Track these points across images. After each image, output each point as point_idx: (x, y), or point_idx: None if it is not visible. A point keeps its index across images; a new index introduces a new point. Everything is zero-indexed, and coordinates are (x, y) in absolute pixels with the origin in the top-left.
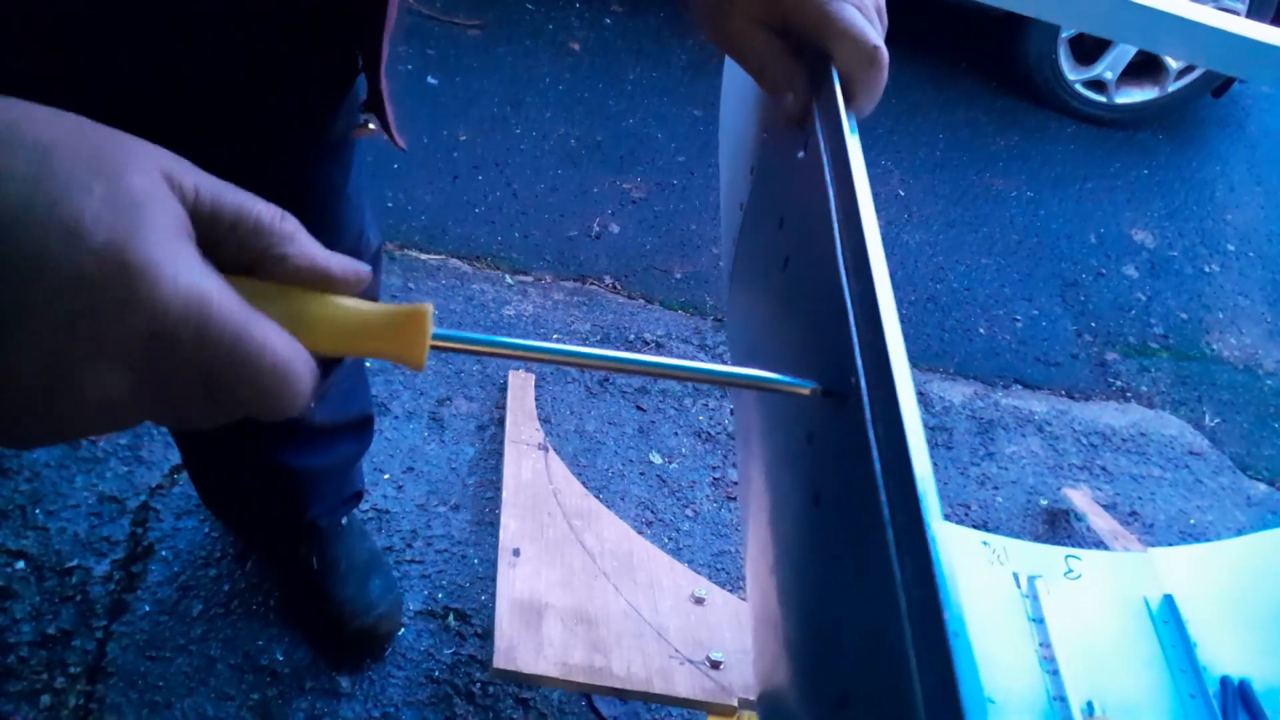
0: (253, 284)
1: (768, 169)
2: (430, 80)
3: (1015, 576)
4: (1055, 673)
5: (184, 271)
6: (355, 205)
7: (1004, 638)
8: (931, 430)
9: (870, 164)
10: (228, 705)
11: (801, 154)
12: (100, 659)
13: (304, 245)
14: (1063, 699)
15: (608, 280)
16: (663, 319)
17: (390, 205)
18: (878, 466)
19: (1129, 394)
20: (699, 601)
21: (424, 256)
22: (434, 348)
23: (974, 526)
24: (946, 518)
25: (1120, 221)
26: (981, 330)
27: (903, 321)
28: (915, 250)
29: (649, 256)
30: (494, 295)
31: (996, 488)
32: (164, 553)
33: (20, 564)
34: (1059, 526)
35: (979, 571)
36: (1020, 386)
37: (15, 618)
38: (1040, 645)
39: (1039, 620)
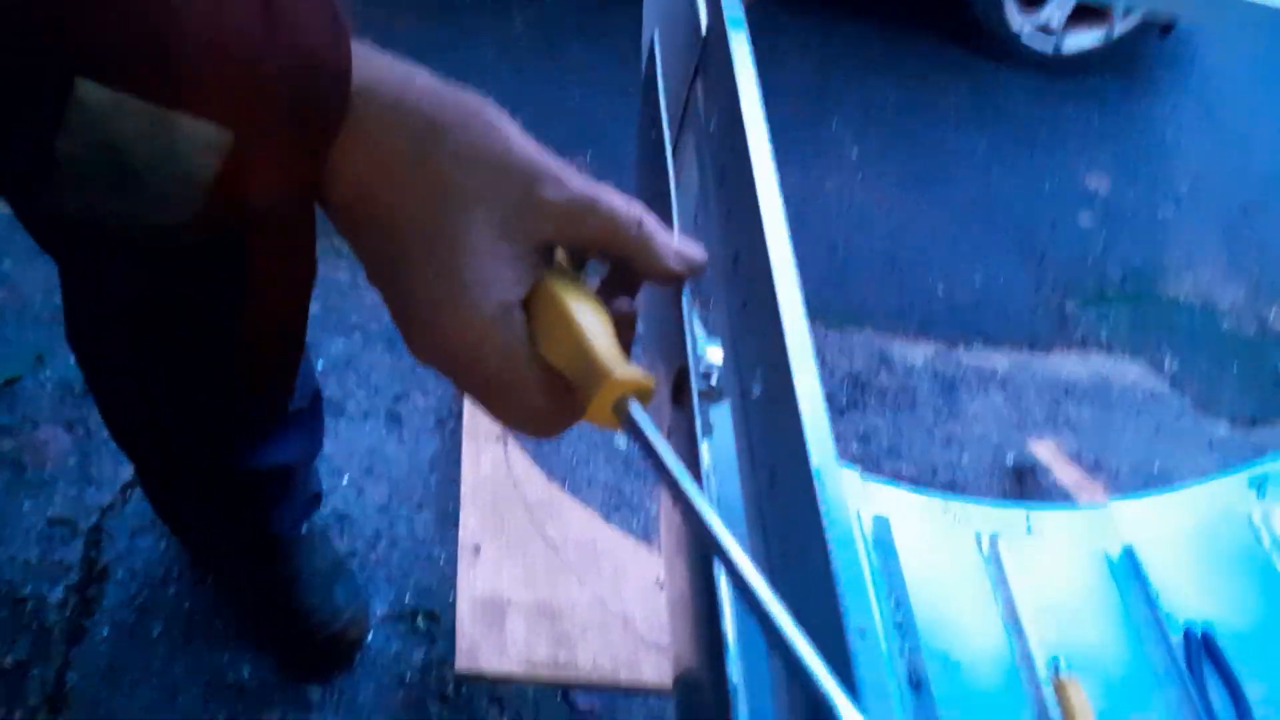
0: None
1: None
2: None
3: (977, 538)
4: (1020, 633)
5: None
6: None
7: (967, 601)
8: (895, 393)
9: (821, 125)
10: None
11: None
12: (60, 688)
13: (652, 254)
14: (1028, 659)
15: None
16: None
17: None
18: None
19: (1089, 343)
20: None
21: None
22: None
23: (942, 488)
24: (914, 479)
25: (1074, 170)
26: (940, 289)
27: (860, 284)
28: (870, 212)
29: None
30: None
31: (962, 447)
32: (120, 574)
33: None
34: (1026, 482)
35: (940, 536)
36: (981, 343)
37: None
38: (1003, 606)
39: (1002, 582)
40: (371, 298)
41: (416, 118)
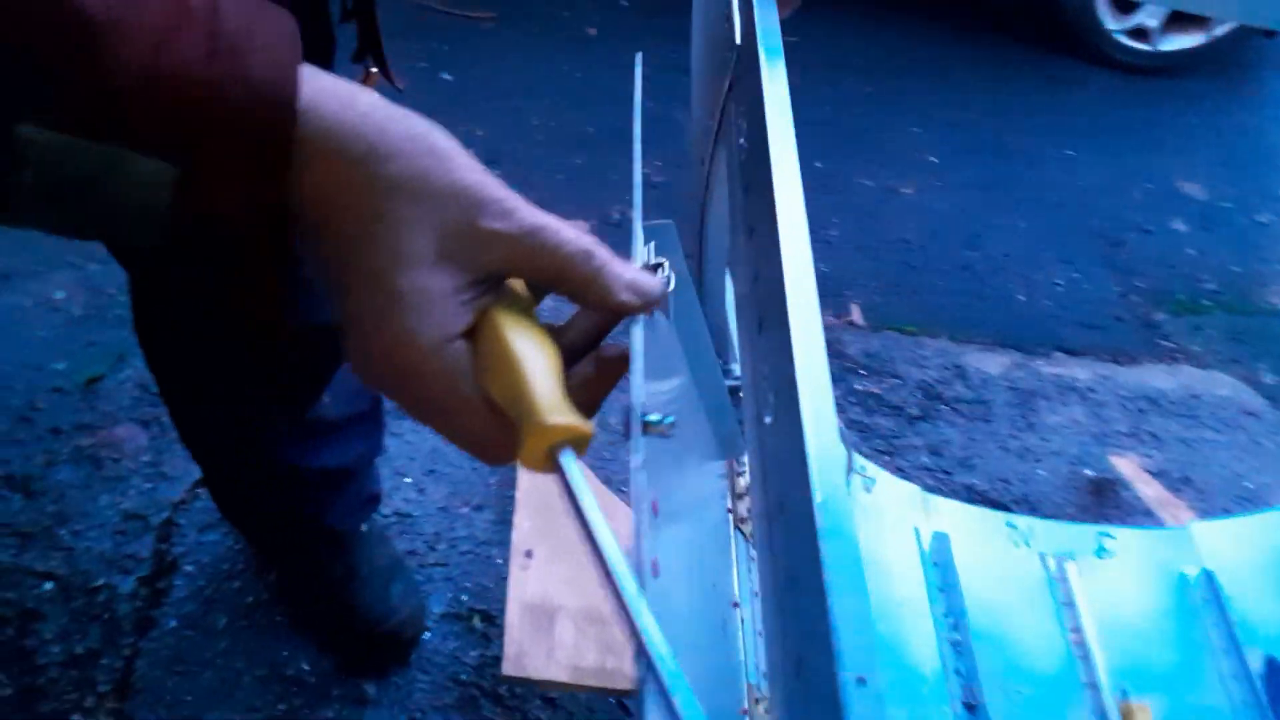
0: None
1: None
2: (444, 76)
3: (1043, 558)
4: (1086, 658)
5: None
6: None
7: (1031, 623)
8: (968, 404)
9: (897, 130)
10: (254, 717)
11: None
12: (128, 676)
13: (601, 286)
14: (1094, 685)
15: None
16: None
17: None
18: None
19: (1179, 355)
20: None
21: None
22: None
23: (1013, 501)
24: (985, 493)
25: (1168, 174)
26: (1020, 297)
27: (936, 292)
28: (948, 217)
29: None
30: None
31: (1038, 460)
32: (188, 567)
33: (48, 585)
34: (1106, 497)
35: (1004, 555)
36: (1062, 353)
37: (44, 639)
38: (1070, 630)
39: (1069, 603)
40: None
41: (356, 143)
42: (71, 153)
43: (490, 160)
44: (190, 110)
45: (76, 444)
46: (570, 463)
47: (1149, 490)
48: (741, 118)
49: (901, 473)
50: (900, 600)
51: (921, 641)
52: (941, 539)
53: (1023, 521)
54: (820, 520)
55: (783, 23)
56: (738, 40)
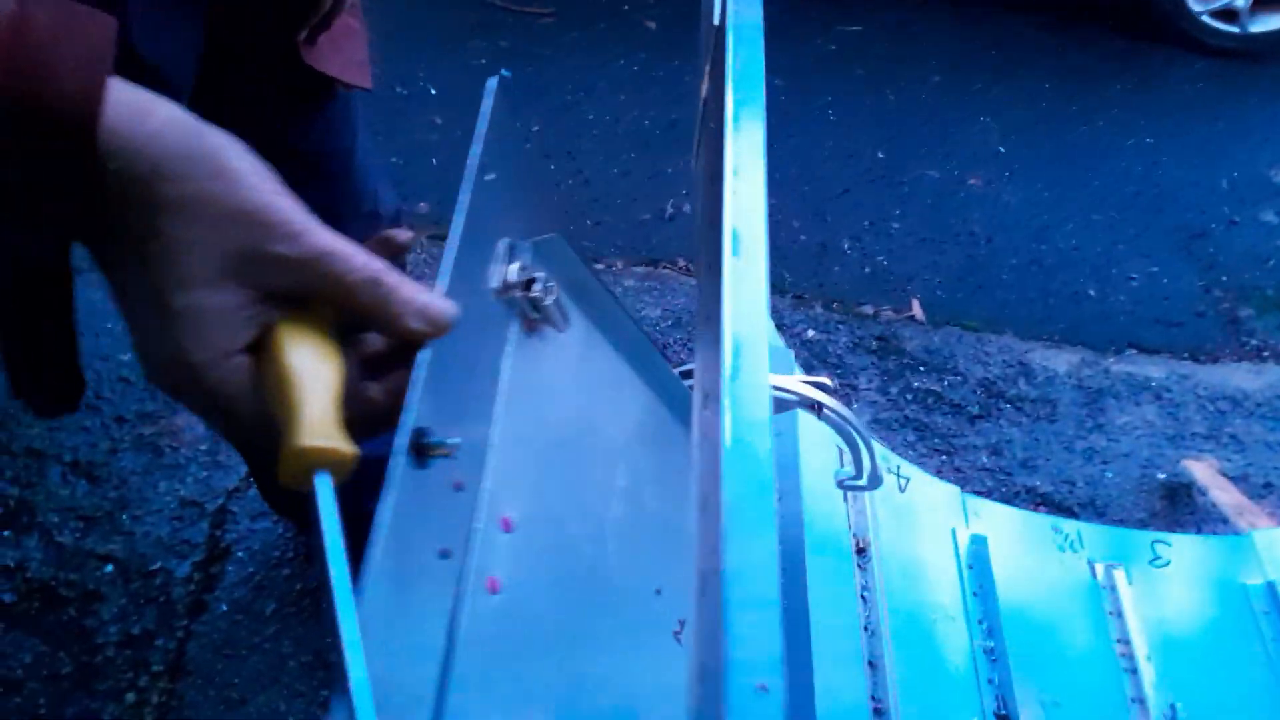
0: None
1: None
2: (504, 73)
3: (1091, 565)
4: (1134, 671)
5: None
6: (366, 169)
7: (1075, 633)
8: (1032, 402)
9: (964, 120)
10: (298, 702)
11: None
12: (180, 658)
13: (389, 312)
14: (1141, 700)
15: (680, 263)
16: None
17: None
18: None
19: (1266, 353)
20: None
21: None
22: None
23: (1078, 505)
24: (1048, 496)
25: (1256, 163)
26: (1091, 292)
27: (1002, 286)
28: (1016, 210)
29: None
30: None
31: (1106, 462)
32: (240, 554)
33: (109, 568)
34: (1179, 502)
35: (1048, 560)
36: (1135, 351)
37: (103, 619)
38: (1117, 641)
39: (1117, 613)
40: None
41: (140, 162)
42: None
43: (544, 155)
44: None
45: (139, 432)
46: (323, 485)
47: (1226, 496)
48: (713, 101)
49: (960, 474)
50: (932, 605)
51: (953, 649)
52: (979, 541)
53: (1070, 526)
54: (727, 521)
55: (848, 12)
56: (715, 20)
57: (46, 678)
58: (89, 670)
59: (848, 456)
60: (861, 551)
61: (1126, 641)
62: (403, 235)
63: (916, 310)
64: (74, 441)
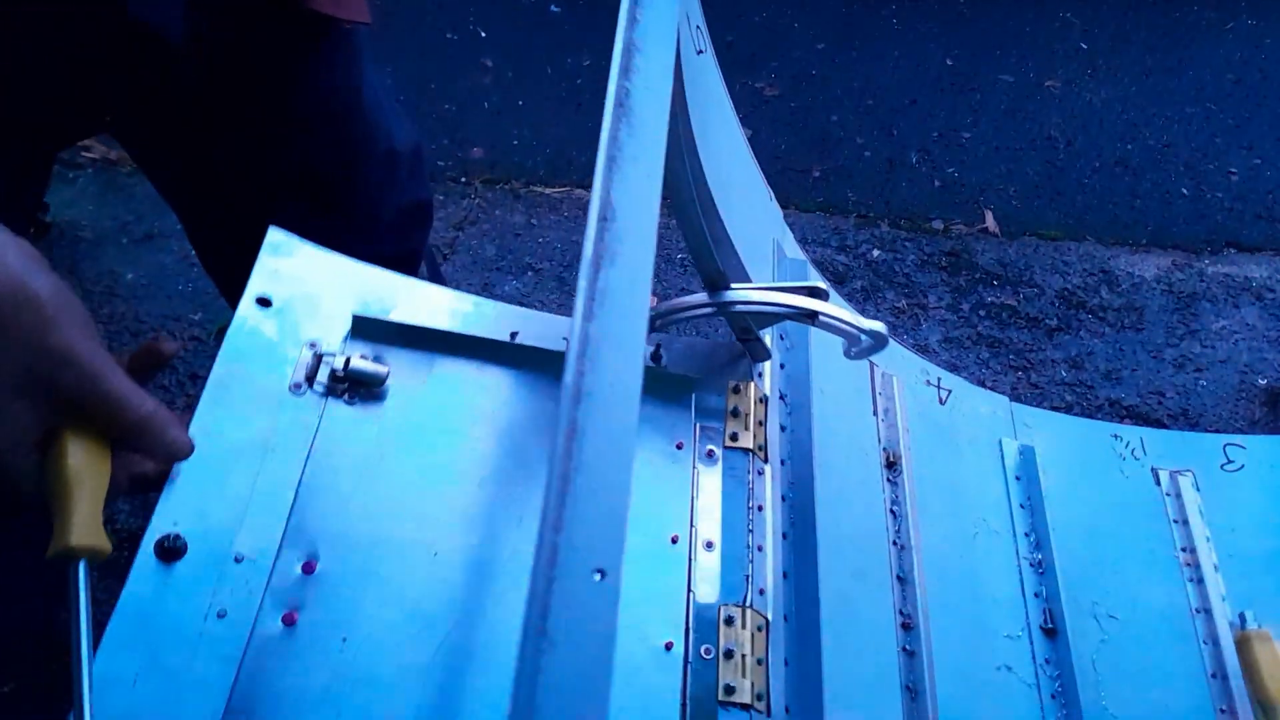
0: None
1: None
2: (553, 9)
3: (1154, 473)
4: (1199, 580)
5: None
6: (378, 105)
7: (1134, 543)
8: (1116, 311)
9: (1045, 17)
10: None
11: None
12: None
13: (145, 445)
14: (1206, 611)
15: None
16: (799, 222)
17: (515, 142)
18: None
19: None
20: None
21: (548, 191)
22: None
23: (1168, 416)
24: (1133, 408)
25: None
26: (1184, 191)
27: (1084, 191)
28: (1100, 110)
29: (784, 158)
30: None
31: (1199, 370)
32: None
33: None
34: None
35: (1105, 469)
36: (1234, 250)
37: None
38: (1181, 550)
39: (1181, 521)
40: (544, 238)
41: None
42: None
43: (598, 93)
44: None
45: None
46: (80, 572)
47: None
48: None
49: (1038, 390)
50: (973, 520)
51: (996, 563)
52: (1027, 452)
53: (1131, 433)
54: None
55: None
56: None
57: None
58: None
59: (879, 367)
60: (891, 465)
61: (1192, 550)
62: (168, 347)
63: (989, 222)
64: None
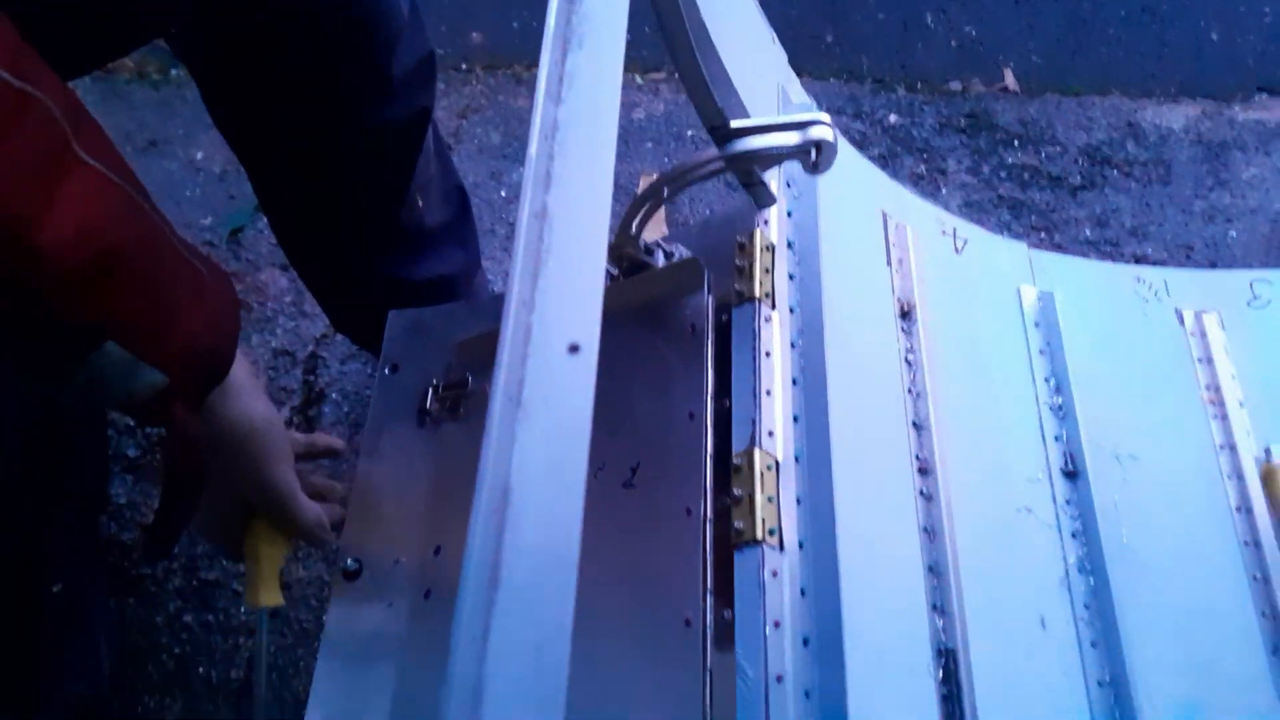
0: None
1: None
2: None
3: (1178, 313)
4: (1224, 418)
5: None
6: None
7: (1156, 383)
8: (1143, 165)
9: None
10: None
11: None
12: None
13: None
14: (1231, 446)
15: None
16: (813, 91)
17: (515, 25)
18: None
19: None
20: None
21: None
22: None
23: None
24: (1161, 264)
25: None
26: (1214, 37)
27: (1109, 43)
28: None
29: (795, 25)
30: (624, 99)
31: (1230, 220)
32: (334, 395)
33: None
34: None
35: (1128, 311)
36: (1266, 95)
37: None
38: (1205, 388)
39: (1206, 359)
40: None
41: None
42: (116, 359)
43: None
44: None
45: None
46: (262, 625)
47: None
48: None
49: (1061, 250)
50: (991, 366)
51: (1015, 408)
52: (1046, 298)
53: (1155, 274)
54: None
55: None
56: None
57: None
58: None
59: (892, 218)
60: (906, 315)
61: (1216, 388)
62: (338, 445)
63: (1010, 81)
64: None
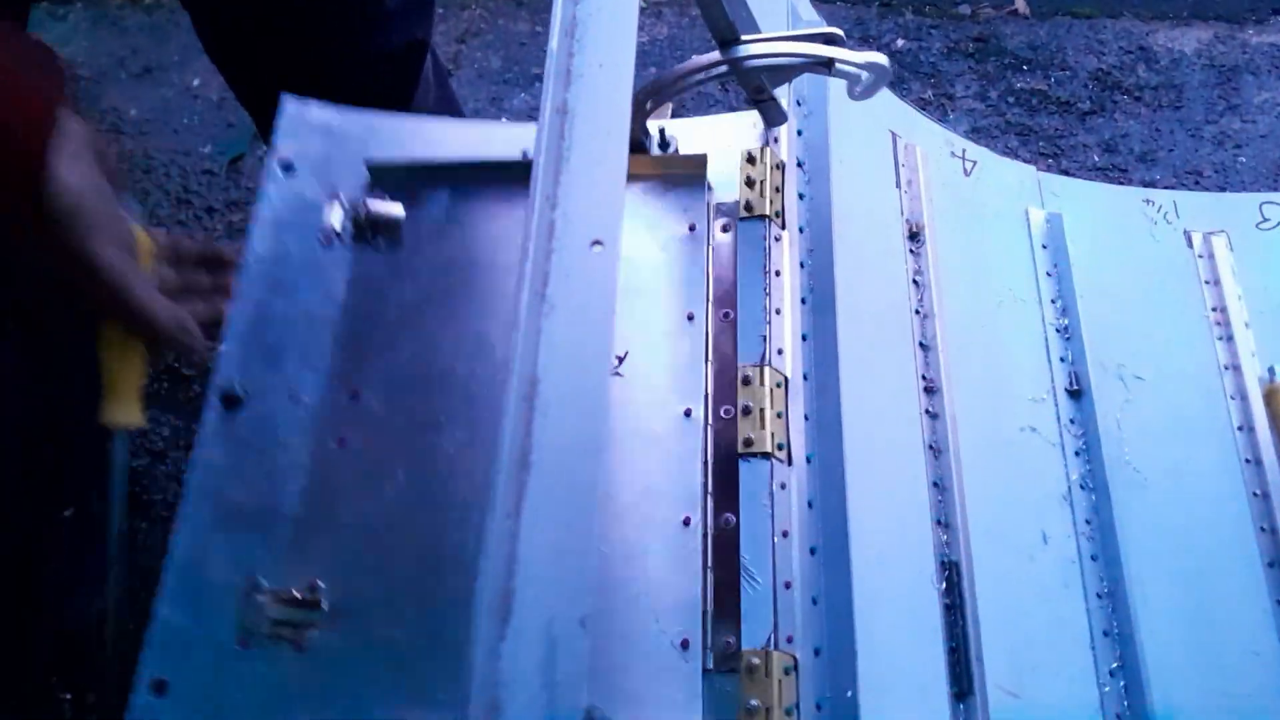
0: None
1: None
2: None
3: (1187, 235)
4: (1229, 339)
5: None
6: None
7: (1162, 305)
8: (1153, 90)
9: None
10: None
11: None
12: None
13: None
14: (1235, 367)
15: None
16: (819, 13)
17: None
18: None
19: None
20: None
21: None
22: None
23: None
24: (1169, 190)
25: None
26: None
27: None
28: None
29: None
30: None
31: (1240, 146)
32: None
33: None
34: None
35: (1136, 233)
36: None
37: None
38: (1212, 310)
39: (1213, 281)
40: None
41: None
42: None
43: None
44: None
45: (229, 220)
46: (118, 445)
47: None
48: None
49: (1069, 176)
50: (998, 289)
51: (1022, 330)
52: (1054, 220)
53: (1164, 196)
54: None
55: None
56: None
57: (184, 446)
58: None
59: (902, 138)
60: (914, 236)
61: (1222, 310)
62: (224, 251)
63: (1019, 4)
64: (174, 234)
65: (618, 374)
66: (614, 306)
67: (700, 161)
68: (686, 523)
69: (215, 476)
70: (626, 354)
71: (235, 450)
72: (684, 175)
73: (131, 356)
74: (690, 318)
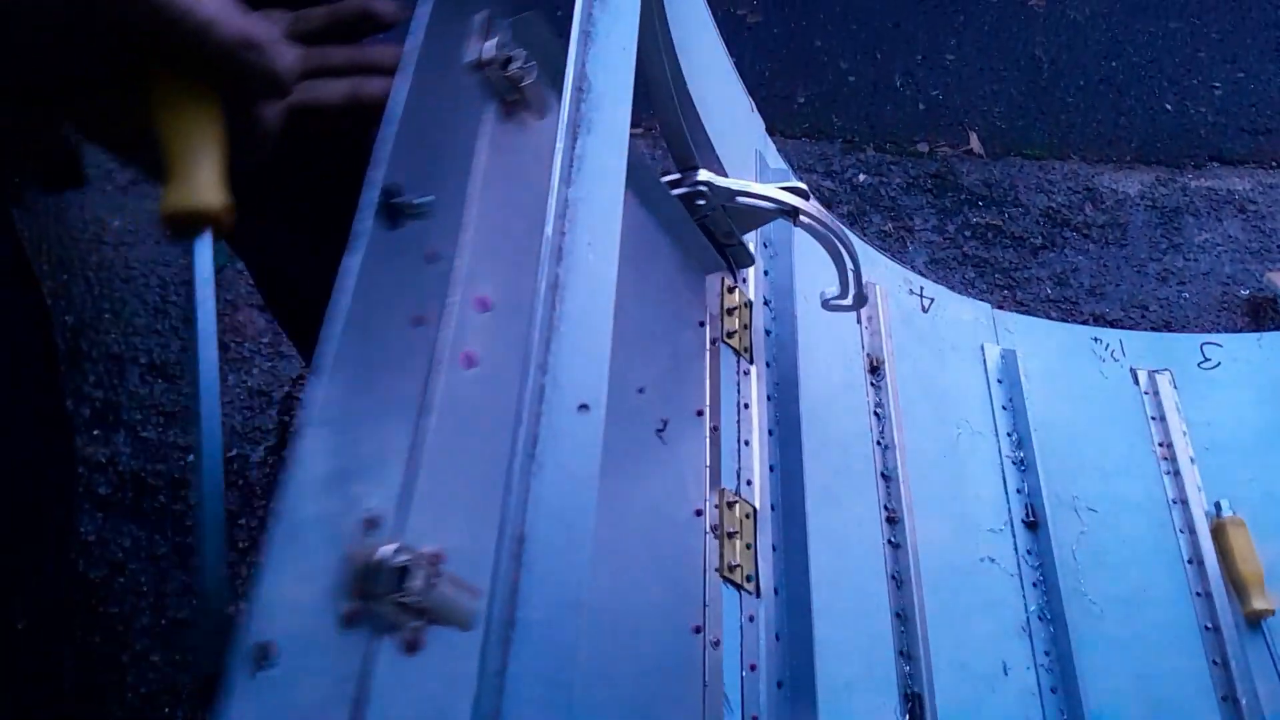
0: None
1: None
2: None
3: (1133, 372)
4: (1176, 473)
5: None
6: None
7: (1112, 440)
8: (1100, 228)
9: None
10: None
11: None
12: (262, 534)
13: None
14: (1183, 501)
15: None
16: (784, 149)
17: None
18: None
19: None
20: None
21: None
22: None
23: (1151, 329)
24: (1117, 322)
25: None
26: (1168, 107)
27: (1068, 110)
28: (1084, 28)
29: (768, 84)
30: None
31: (1183, 283)
32: None
33: (191, 457)
34: (1264, 318)
35: (1085, 370)
36: (1217, 164)
37: (190, 504)
38: (1159, 445)
39: (1159, 418)
40: None
41: None
42: None
43: None
44: None
45: None
46: (204, 250)
47: None
48: None
49: (1023, 307)
50: (956, 421)
51: (979, 461)
52: (1009, 356)
53: (1111, 335)
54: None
55: None
56: None
57: (146, 558)
58: (183, 549)
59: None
60: (875, 370)
61: (1169, 445)
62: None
63: (974, 144)
64: (148, 344)
65: (659, 436)
66: (598, 467)
67: (714, 262)
68: (697, 631)
69: None
70: (667, 422)
71: None
72: (704, 260)
73: (198, 117)
74: (699, 413)
